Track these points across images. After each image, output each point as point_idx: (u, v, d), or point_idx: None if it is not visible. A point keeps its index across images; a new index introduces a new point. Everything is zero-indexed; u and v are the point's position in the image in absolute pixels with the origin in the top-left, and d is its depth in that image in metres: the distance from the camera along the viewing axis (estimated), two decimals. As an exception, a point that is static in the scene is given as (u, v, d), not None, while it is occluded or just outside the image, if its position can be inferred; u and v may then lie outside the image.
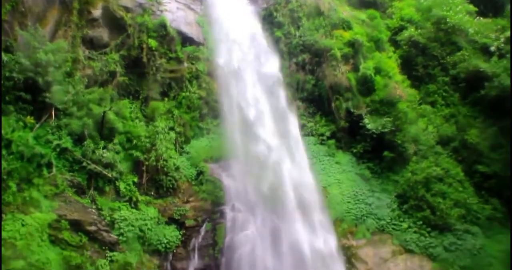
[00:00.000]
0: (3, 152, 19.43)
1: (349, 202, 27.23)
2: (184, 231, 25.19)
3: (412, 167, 26.99)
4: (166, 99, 28.04)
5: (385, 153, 27.86)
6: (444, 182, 26.32)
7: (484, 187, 27.20)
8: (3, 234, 18.08)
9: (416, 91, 31.15)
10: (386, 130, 27.88)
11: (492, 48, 27.76)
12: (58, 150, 21.97)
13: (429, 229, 25.62)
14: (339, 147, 30.20)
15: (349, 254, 25.17)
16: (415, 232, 25.68)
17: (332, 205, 26.95)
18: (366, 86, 29.74)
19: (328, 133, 30.59)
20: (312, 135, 30.89)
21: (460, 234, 25.25)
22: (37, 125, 21.61)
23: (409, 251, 25.18)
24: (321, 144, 30.50)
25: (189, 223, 25.36)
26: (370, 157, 29.24)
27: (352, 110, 29.45)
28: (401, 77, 30.74)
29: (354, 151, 29.68)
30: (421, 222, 25.80)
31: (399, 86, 29.43)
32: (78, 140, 22.86)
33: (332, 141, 30.25)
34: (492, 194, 26.92)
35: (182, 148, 27.74)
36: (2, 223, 18.37)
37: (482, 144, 27.62)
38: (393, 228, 26.13)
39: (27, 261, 18.13)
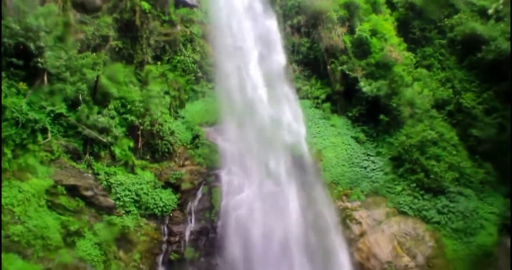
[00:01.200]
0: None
1: (344, 165, 27.40)
2: (180, 195, 25.39)
3: (407, 130, 27.00)
4: (160, 63, 27.72)
5: (381, 116, 27.82)
6: (439, 146, 26.41)
7: (477, 151, 27.31)
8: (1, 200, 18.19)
9: (412, 54, 30.81)
10: (381, 93, 27.75)
11: (490, 11, 27.28)
12: (52, 115, 21.84)
13: (422, 192, 25.90)
14: (334, 110, 30.12)
15: (343, 216, 25.51)
16: (409, 194, 25.97)
17: (327, 168, 27.14)
18: (362, 49, 29.39)
19: (323, 97, 30.45)
20: (308, 98, 30.77)
21: (453, 197, 25.54)
22: (30, 91, 21.37)
23: (403, 213, 25.53)
24: (316, 107, 30.42)
25: (185, 186, 25.50)
26: (365, 120, 29.23)
27: (347, 73, 29.19)
28: (397, 40, 30.32)
29: (349, 114, 29.61)
30: (415, 185, 26.04)
31: (395, 49, 29.08)
32: (72, 105, 22.66)
33: (327, 104, 30.15)
34: (486, 158, 27.10)
35: (177, 112, 27.64)
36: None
37: (477, 108, 27.58)
38: (387, 191, 26.40)
39: (26, 226, 18.35)
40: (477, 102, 27.81)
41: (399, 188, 26.24)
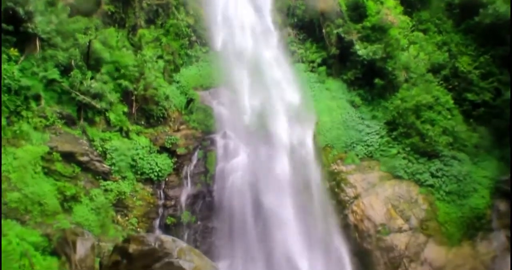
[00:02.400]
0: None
1: (339, 129, 27.38)
2: (176, 159, 25.52)
3: (402, 94, 26.84)
4: (153, 27, 27.35)
5: (376, 80, 27.65)
6: (434, 110, 26.30)
7: (472, 115, 27.26)
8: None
9: (409, 18, 30.29)
10: (377, 57, 27.49)
11: (489, -26, 26.82)
12: (45, 81, 21.67)
13: (417, 156, 25.97)
14: (329, 73, 29.88)
15: (338, 179, 25.70)
16: (403, 158, 26.05)
17: (322, 132, 27.14)
18: (357, 12, 28.91)
19: (318, 60, 30.18)
20: (303, 62, 30.53)
21: (447, 161, 25.61)
22: (22, 58, 21.14)
23: (397, 177, 25.71)
24: (311, 71, 30.21)
25: (180, 151, 25.56)
26: (360, 84, 29.05)
27: (343, 36, 28.83)
28: (394, 3, 29.73)
29: (345, 77, 29.39)
30: (409, 149, 26.09)
31: (391, 13, 28.64)
32: (65, 71, 22.50)
33: (322, 68, 29.90)
34: (480, 122, 27.04)
35: (171, 77, 27.43)
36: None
37: (473, 72, 27.32)
38: (381, 154, 26.48)
39: (23, 193, 18.44)
40: (473, 66, 27.54)
41: (393, 152, 26.30)
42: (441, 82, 27.87)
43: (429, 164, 25.70)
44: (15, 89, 19.95)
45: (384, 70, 27.80)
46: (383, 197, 25.04)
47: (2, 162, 18.17)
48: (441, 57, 28.57)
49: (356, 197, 25.16)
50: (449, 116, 26.49)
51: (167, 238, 16.75)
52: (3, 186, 17.76)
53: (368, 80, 28.49)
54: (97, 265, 17.20)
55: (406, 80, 27.76)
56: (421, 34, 29.91)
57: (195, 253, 16.97)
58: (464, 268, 23.34)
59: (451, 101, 26.90)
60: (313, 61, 30.34)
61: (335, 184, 25.68)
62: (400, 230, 24.10)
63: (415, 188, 25.23)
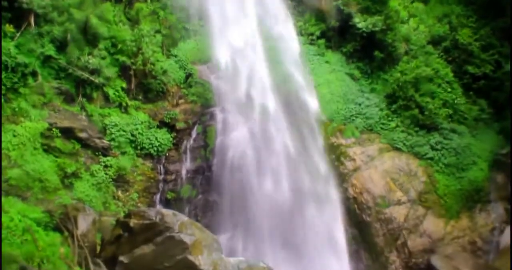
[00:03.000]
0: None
1: (338, 102, 27.31)
2: (175, 134, 25.52)
3: (402, 67, 26.68)
4: (149, 0, 26.84)
5: (375, 53, 27.46)
6: (433, 82, 26.19)
7: (472, 88, 27.18)
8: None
9: (409, -12, 30.01)
10: (376, 29, 27.19)
11: None
12: (42, 58, 21.49)
13: (416, 128, 26.03)
14: (328, 46, 29.63)
15: (338, 152, 25.76)
16: (402, 131, 26.10)
17: (322, 105, 27.06)
18: (357, -17, 28.57)
19: (317, 33, 29.80)
20: (302, 35, 30.09)
21: (447, 133, 25.68)
22: (18, 34, 20.86)
23: (396, 149, 25.78)
24: (310, 43, 29.87)
25: (179, 126, 25.54)
26: (360, 56, 28.87)
27: (342, 8, 28.43)
28: (393, -27, 29.38)
29: (344, 50, 29.17)
30: (409, 121, 26.10)
31: (390, -17, 28.28)
32: (61, 47, 22.28)
33: (322, 41, 29.59)
34: (480, 95, 27.00)
35: (169, 51, 27.13)
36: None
37: (474, 44, 27.04)
38: (381, 127, 26.51)
39: (23, 170, 18.46)
40: (473, 38, 27.24)
41: (393, 124, 26.33)
42: (441, 54, 27.68)
43: (428, 136, 25.76)
44: (12, 66, 19.74)
45: (384, 42, 27.58)
46: (382, 169, 25.17)
47: (2, 139, 18.13)
48: (441, 29, 28.27)
49: (355, 170, 25.28)
50: (449, 89, 26.42)
51: (168, 212, 16.78)
52: (4, 163, 17.77)
53: (368, 53, 28.28)
54: (98, 240, 17.35)
55: (406, 53, 27.59)
56: (421, 6, 29.54)
57: (196, 227, 17.03)
58: (463, 240, 23.67)
59: (451, 74, 26.79)
60: (312, 34, 29.97)
61: (335, 157, 25.75)
62: (399, 203, 24.31)
63: (414, 161, 25.35)
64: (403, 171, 25.05)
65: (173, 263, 15.61)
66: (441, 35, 28.12)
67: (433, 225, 23.93)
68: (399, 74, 26.48)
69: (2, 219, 14.39)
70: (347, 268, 23.41)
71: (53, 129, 20.58)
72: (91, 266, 15.21)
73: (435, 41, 28.10)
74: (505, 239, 22.40)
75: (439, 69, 26.53)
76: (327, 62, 29.07)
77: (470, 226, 23.91)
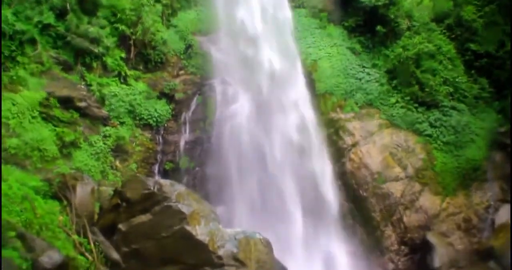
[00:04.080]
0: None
1: (339, 76, 27.10)
2: (174, 105, 25.51)
3: (404, 42, 26.44)
4: (150, -33, 26.41)
5: (378, 28, 27.13)
6: (435, 59, 25.99)
7: (474, 66, 26.95)
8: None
9: (414, -39, 29.48)
10: (379, 3, 26.85)
11: None
12: (40, 26, 21.19)
13: (416, 105, 25.92)
14: (330, 20, 29.28)
15: (337, 127, 25.73)
16: (402, 107, 26.00)
17: (322, 79, 26.92)
18: (361, -46, 28.05)
19: (320, 6, 29.50)
20: (303, 7, 29.83)
21: (446, 111, 25.59)
22: (15, 1, 20.54)
23: (395, 126, 25.74)
24: (312, 16, 29.56)
25: (179, 96, 25.52)
26: (361, 31, 28.58)
27: (345, -19, 28.17)
28: None
29: (346, 24, 28.86)
30: (409, 98, 26.00)
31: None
32: (60, 15, 22.01)
33: (324, 14, 29.30)
34: (482, 74, 26.77)
35: (169, 21, 26.91)
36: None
37: (478, 21, 26.70)
38: (381, 103, 26.39)
39: (21, 139, 18.39)
40: (477, 16, 26.87)
41: (393, 100, 26.23)
42: (444, 31, 27.40)
43: (428, 113, 25.71)
44: (10, 34, 19.51)
45: (387, 17, 27.23)
46: (381, 145, 25.17)
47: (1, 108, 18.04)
48: (445, 5, 27.91)
49: (354, 145, 25.27)
50: (450, 67, 26.24)
51: (165, 182, 16.89)
52: (2, 132, 17.74)
53: (370, 27, 27.97)
54: (97, 209, 17.44)
55: (409, 28, 27.34)
56: (426, -20, 29.17)
57: (194, 197, 17.12)
58: (458, 217, 23.80)
59: (453, 51, 26.56)
60: (314, 7, 29.65)
61: (334, 131, 25.74)
62: (396, 178, 24.39)
63: (413, 137, 25.35)
64: (401, 147, 25.06)
65: (170, 233, 15.78)
66: (444, 11, 27.79)
67: (429, 201, 24.03)
68: (400, 50, 26.22)
69: (2, 187, 14.40)
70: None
71: (52, 98, 20.44)
72: (89, 234, 15.35)
73: (438, 18, 27.81)
74: (500, 218, 22.59)
75: (442, 46, 26.32)
76: (328, 35, 28.75)
77: (466, 204, 24.03)
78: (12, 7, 20.34)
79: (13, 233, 12.68)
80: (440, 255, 22.32)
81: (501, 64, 26.08)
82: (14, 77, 19.45)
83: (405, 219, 23.81)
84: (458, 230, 23.55)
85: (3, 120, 17.96)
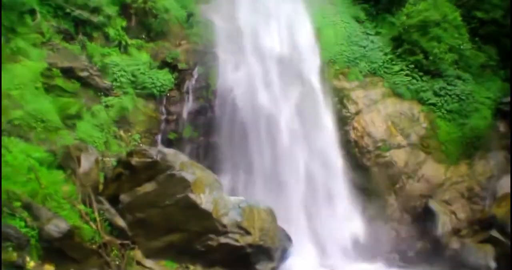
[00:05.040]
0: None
1: (342, 44, 26.72)
2: (177, 74, 25.30)
3: (409, 9, 26.05)
4: None
5: (382, -6, 26.76)
6: (440, 27, 25.56)
7: (480, 34, 26.55)
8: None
9: None
10: (384, -32, 26.47)
11: None
12: (39, -4, 21.00)
13: (420, 73, 25.65)
14: (333, -13, 28.84)
15: (341, 95, 25.52)
16: (406, 75, 25.73)
17: (325, 47, 26.52)
18: None
19: (323, -28, 28.94)
20: (306, -27, 29.27)
21: (451, 80, 25.39)
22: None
23: (399, 94, 25.56)
24: (316, -16, 29.05)
25: (181, 66, 25.32)
26: (365, -3, 28.04)
27: None
28: None
29: (350, -9, 28.36)
30: (413, 66, 25.71)
31: None
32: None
33: (327, -20, 28.79)
34: (487, 42, 26.40)
35: (171, -12, 26.48)
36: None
37: (485, -12, 26.40)
38: (385, 71, 26.10)
39: (25, 110, 18.44)
40: (484, -18, 26.50)
41: (397, 69, 25.95)
42: (451, -3, 26.95)
43: (432, 82, 25.48)
44: (10, 4, 19.29)
45: (391, -18, 26.73)
46: (384, 113, 25.09)
47: (3, 79, 17.97)
48: (452, -30, 27.38)
49: (357, 113, 25.17)
50: (456, 35, 25.71)
51: (169, 151, 17.03)
52: (5, 103, 17.75)
53: (374, -7, 27.45)
54: (101, 179, 17.60)
55: (415, -5, 26.85)
56: None
57: (197, 167, 17.34)
58: (461, 186, 23.83)
59: (459, 18, 26.05)
60: (318, -25, 29.09)
61: (337, 100, 25.54)
62: (399, 147, 24.39)
63: (417, 106, 25.22)
64: (405, 115, 25.00)
65: (174, 201, 15.97)
66: (452, -23, 27.26)
67: (432, 170, 24.13)
68: (405, 17, 25.87)
69: (7, 158, 14.54)
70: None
71: (53, 69, 20.38)
72: (94, 203, 15.52)
73: (445, -17, 27.28)
74: (502, 187, 22.62)
75: (447, 13, 25.80)
76: (331, 3, 28.27)
77: (469, 173, 24.04)
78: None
79: (18, 203, 12.91)
80: (442, 223, 22.50)
81: (508, 32, 25.52)
82: (15, 49, 19.34)
83: (407, 187, 23.96)
84: (462, 198, 23.63)
85: (6, 91, 17.93)
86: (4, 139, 16.20)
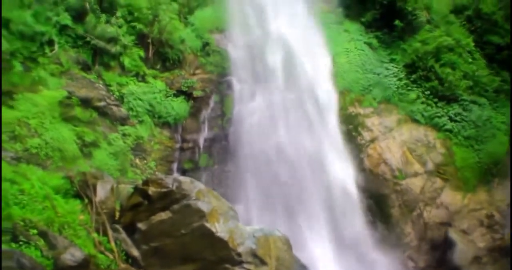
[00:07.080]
0: (3, 32, 18.95)
1: (357, 71, 26.88)
2: (192, 103, 25.53)
3: (422, 36, 26.15)
4: (166, -34, 26.50)
5: (396, 22, 26.81)
6: (454, 52, 25.66)
7: (495, 59, 26.49)
8: (17, 113, 18.44)
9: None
10: (397, -3, 26.64)
11: None
12: (58, 26, 21.45)
13: (436, 100, 25.59)
14: (347, 15, 29.03)
15: (356, 123, 25.52)
16: (422, 102, 25.69)
17: (340, 74, 26.70)
18: None
19: (336, 1, 29.27)
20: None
21: (467, 105, 25.29)
22: (34, 2, 20.80)
23: (415, 121, 25.49)
24: (328, 11, 29.33)
25: (197, 94, 25.56)
26: (379, 26, 28.19)
27: (361, -25, 27.88)
28: None
29: (363, 20, 28.51)
30: (428, 92, 25.67)
31: None
32: (78, 15, 22.19)
33: (340, 9, 29.09)
34: (503, 66, 26.28)
35: (186, 19, 26.97)
36: (15, 103, 18.60)
37: (498, 13, 26.21)
38: (399, 98, 26.08)
39: (43, 138, 18.67)
40: (497, 7, 26.42)
41: (412, 95, 25.91)
42: (463, 23, 26.95)
43: (448, 108, 25.40)
44: (30, 35, 19.79)
45: (404, 10, 26.89)
46: (400, 140, 24.94)
47: (22, 108, 18.40)
48: (464, -4, 27.58)
49: (372, 141, 25.06)
50: (470, 60, 25.83)
51: (185, 180, 16.87)
52: (24, 132, 18.08)
53: (387, 22, 27.62)
54: (117, 207, 17.51)
55: (427, 22, 26.95)
56: (444, -28, 28.75)
57: (213, 195, 17.15)
58: (480, 213, 23.42)
59: (472, 44, 26.11)
60: (329, 2, 29.42)
61: (353, 127, 25.51)
62: (416, 174, 24.16)
63: (432, 133, 25.08)
64: (421, 142, 24.83)
65: (190, 230, 15.86)
66: (464, 4, 27.36)
67: (450, 197, 23.77)
68: (419, 44, 25.94)
69: (24, 186, 14.66)
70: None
71: (73, 97, 20.66)
72: (110, 231, 15.49)
73: (457, 10, 27.35)
74: (522, 214, 22.23)
75: (461, 39, 25.93)
76: (345, 31, 28.52)
77: (488, 200, 23.66)
78: (31, 9, 20.55)
79: (35, 231, 12.90)
80: (462, 252, 22.05)
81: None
82: (36, 78, 19.72)
83: (425, 215, 23.59)
84: (480, 226, 23.22)
85: (24, 120, 18.21)
86: (22, 166, 16.38)
